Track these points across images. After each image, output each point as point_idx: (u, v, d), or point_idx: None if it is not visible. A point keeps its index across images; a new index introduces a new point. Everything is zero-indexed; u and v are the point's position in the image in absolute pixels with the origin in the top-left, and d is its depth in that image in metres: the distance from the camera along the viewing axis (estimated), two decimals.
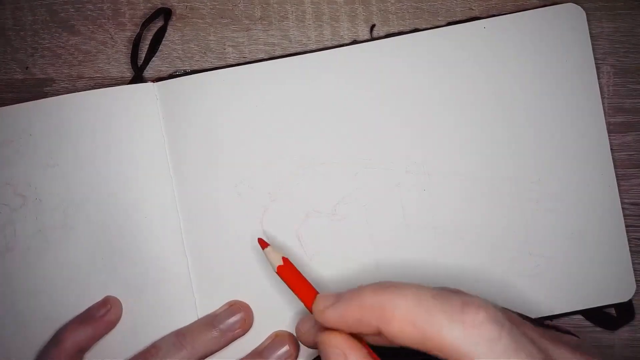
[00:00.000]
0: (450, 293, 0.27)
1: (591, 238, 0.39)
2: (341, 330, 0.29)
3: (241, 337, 0.39)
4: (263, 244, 0.36)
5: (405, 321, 0.26)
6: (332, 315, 0.29)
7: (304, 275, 0.34)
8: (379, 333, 0.28)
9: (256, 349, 0.39)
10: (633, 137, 0.40)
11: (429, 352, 0.26)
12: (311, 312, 0.32)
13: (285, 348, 0.38)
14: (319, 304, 0.30)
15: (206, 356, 0.38)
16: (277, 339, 0.38)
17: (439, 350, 0.26)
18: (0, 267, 0.39)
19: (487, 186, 0.39)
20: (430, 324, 0.26)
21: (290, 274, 0.35)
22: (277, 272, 0.35)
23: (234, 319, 0.38)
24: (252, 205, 0.39)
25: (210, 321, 0.38)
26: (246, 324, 0.38)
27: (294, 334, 0.38)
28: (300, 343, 0.36)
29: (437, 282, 0.38)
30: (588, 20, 0.39)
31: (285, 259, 0.35)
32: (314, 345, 0.32)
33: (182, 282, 0.39)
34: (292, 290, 0.34)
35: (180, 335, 0.38)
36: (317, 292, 0.33)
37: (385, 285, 0.28)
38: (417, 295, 0.27)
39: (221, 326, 0.38)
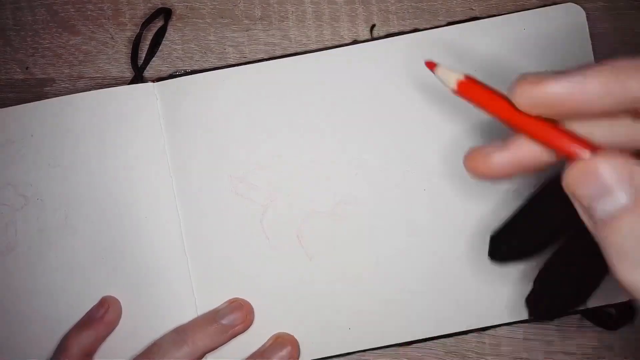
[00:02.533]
0: None
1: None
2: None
3: (242, 337, 0.39)
4: (430, 65, 0.28)
5: None
6: (560, 86, 0.21)
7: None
8: (630, 108, 0.20)
9: (257, 350, 0.39)
10: None
11: None
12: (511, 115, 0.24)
13: (287, 349, 0.38)
14: (529, 78, 0.22)
15: (208, 352, 0.38)
16: (279, 340, 0.38)
17: None
18: (1, 266, 0.39)
19: (487, 186, 0.39)
20: None
21: (477, 92, 0.27)
22: (458, 92, 0.27)
23: (234, 314, 0.38)
24: (252, 205, 0.39)
25: (211, 317, 0.38)
26: (247, 320, 0.39)
27: (295, 337, 0.39)
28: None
29: (437, 282, 0.38)
30: (588, 20, 0.39)
31: (464, 81, 0.27)
32: (493, 172, 0.25)
33: (182, 281, 0.39)
34: (486, 108, 0.26)
35: (181, 332, 0.38)
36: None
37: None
38: None
39: (222, 322, 0.38)
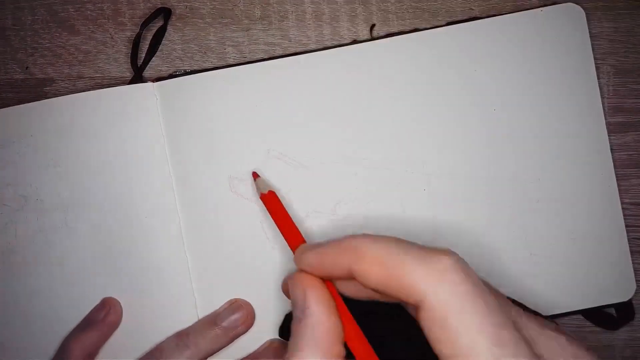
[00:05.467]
0: (425, 246, 0.27)
1: (591, 238, 0.39)
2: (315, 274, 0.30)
3: (243, 336, 0.39)
4: (255, 175, 0.38)
5: (375, 260, 0.27)
6: (310, 256, 0.30)
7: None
8: (351, 276, 0.28)
9: (251, 354, 0.39)
10: (633, 137, 0.40)
11: (393, 295, 0.26)
12: (291, 248, 0.33)
13: (280, 355, 0.38)
14: (302, 248, 0.31)
15: (210, 355, 0.38)
16: (274, 345, 0.39)
17: (400, 291, 0.26)
18: (1, 267, 0.39)
19: (487, 186, 0.39)
20: (397, 264, 0.26)
21: (275, 207, 0.36)
22: (260, 199, 0.37)
23: (235, 316, 0.38)
24: (252, 205, 0.39)
25: (212, 320, 0.38)
26: (248, 321, 0.39)
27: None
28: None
29: None
30: (588, 20, 0.39)
31: (272, 192, 0.37)
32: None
33: (182, 282, 0.39)
34: (277, 224, 0.35)
35: (183, 336, 0.38)
36: (302, 239, 0.34)
37: (364, 233, 0.29)
38: (391, 241, 0.27)
39: (223, 324, 0.38)
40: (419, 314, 0.25)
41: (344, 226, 0.39)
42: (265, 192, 0.37)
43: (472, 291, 0.25)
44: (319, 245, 0.30)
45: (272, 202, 0.36)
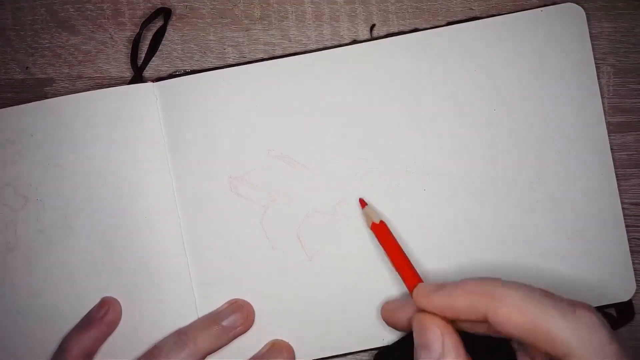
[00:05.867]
0: (556, 294, 0.28)
1: (591, 238, 0.39)
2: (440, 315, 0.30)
3: (242, 338, 0.39)
4: (362, 203, 0.38)
5: (515, 308, 0.27)
6: (438, 299, 0.30)
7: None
8: (484, 320, 0.28)
9: (253, 356, 0.39)
10: (633, 137, 0.40)
11: (532, 343, 0.27)
12: (408, 288, 0.34)
13: (283, 356, 0.38)
14: (423, 288, 0.31)
15: (209, 354, 0.38)
16: (275, 347, 0.38)
17: (545, 342, 0.26)
18: (1, 267, 0.39)
19: (487, 186, 0.39)
20: (541, 314, 0.27)
21: (387, 239, 0.36)
22: (371, 229, 0.37)
23: (235, 316, 0.38)
24: (252, 205, 0.39)
25: (211, 319, 0.38)
26: (248, 321, 0.39)
27: (290, 344, 0.39)
28: (386, 323, 0.36)
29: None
30: (588, 20, 0.39)
31: (383, 223, 0.37)
32: (399, 323, 0.34)
33: (182, 282, 0.39)
34: (390, 257, 0.36)
35: (182, 334, 0.38)
36: (419, 278, 0.35)
37: (492, 278, 0.29)
38: (527, 287, 0.28)
39: (223, 323, 0.38)
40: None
41: (344, 226, 0.39)
42: (377, 221, 0.37)
43: (618, 351, 0.26)
44: (444, 286, 0.30)
45: (383, 234, 0.37)
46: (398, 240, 0.37)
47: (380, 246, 0.37)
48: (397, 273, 0.36)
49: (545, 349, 0.27)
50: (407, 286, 0.35)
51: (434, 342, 0.29)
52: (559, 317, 0.26)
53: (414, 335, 0.31)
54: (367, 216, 0.38)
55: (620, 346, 0.26)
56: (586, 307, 0.27)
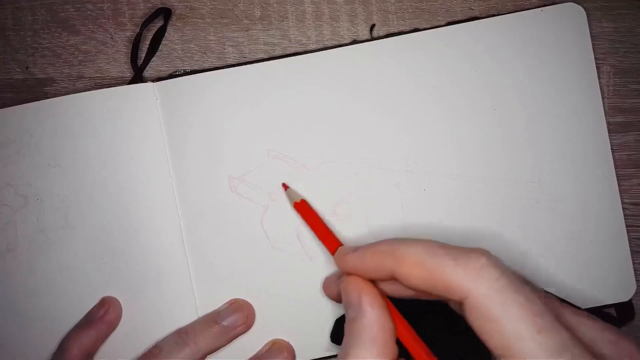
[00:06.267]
0: (457, 246, 0.30)
1: (591, 238, 0.39)
2: (359, 275, 0.32)
3: (242, 337, 0.39)
4: (285, 186, 0.39)
5: (415, 263, 0.29)
6: (352, 259, 0.32)
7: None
8: (393, 278, 0.30)
9: (254, 356, 0.39)
10: (633, 137, 0.40)
11: (435, 292, 0.28)
12: (330, 250, 0.35)
13: (283, 356, 0.38)
14: (341, 251, 0.33)
15: (209, 354, 0.38)
16: (275, 346, 0.39)
17: (444, 289, 0.28)
18: (1, 267, 0.39)
19: (487, 186, 0.39)
20: (437, 265, 0.28)
21: (309, 215, 0.38)
22: (294, 208, 0.38)
23: (236, 315, 0.38)
24: (252, 205, 0.39)
25: (212, 318, 0.38)
26: (248, 321, 0.39)
27: (290, 343, 0.39)
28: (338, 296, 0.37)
29: None
30: (588, 20, 0.39)
31: (304, 201, 0.38)
32: (335, 296, 0.36)
33: (183, 282, 0.39)
34: (313, 230, 0.37)
35: (182, 333, 0.38)
36: (339, 242, 0.36)
37: (399, 238, 0.31)
38: (427, 244, 0.29)
39: (224, 323, 0.38)
40: (464, 310, 0.27)
41: (344, 226, 0.39)
42: (298, 201, 0.38)
43: (510, 284, 0.27)
44: (358, 249, 0.32)
45: (305, 210, 0.38)
46: (320, 215, 0.38)
47: (305, 223, 0.38)
48: (323, 245, 0.37)
49: (447, 297, 0.28)
50: (330, 252, 0.36)
51: (352, 297, 0.31)
52: (452, 264, 0.28)
53: (342, 296, 0.32)
54: (290, 198, 0.39)
55: (510, 282, 0.27)
56: (478, 250, 0.28)
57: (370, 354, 0.28)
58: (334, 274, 0.37)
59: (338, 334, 0.38)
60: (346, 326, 0.30)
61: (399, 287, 0.31)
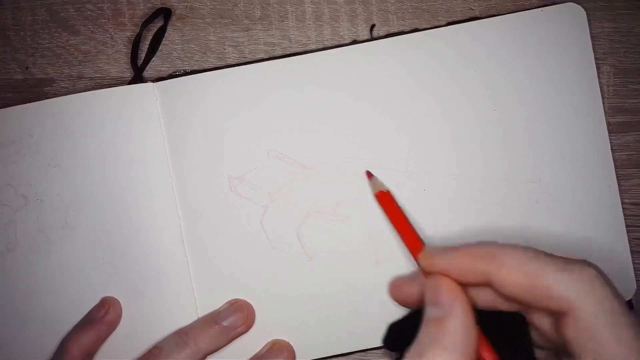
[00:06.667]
0: (560, 256, 0.28)
1: (591, 238, 0.39)
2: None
3: (242, 337, 0.39)
4: (369, 174, 0.38)
5: (515, 268, 0.27)
6: (442, 260, 0.30)
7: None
8: (486, 283, 0.28)
9: (254, 356, 0.39)
10: (633, 137, 0.40)
11: (533, 300, 0.27)
12: (413, 254, 0.33)
13: (283, 356, 0.38)
14: (428, 251, 0.31)
15: (209, 354, 0.38)
16: (275, 346, 0.38)
17: (544, 297, 0.26)
18: (1, 267, 0.39)
19: (487, 186, 0.39)
20: (539, 272, 0.27)
21: (390, 207, 0.36)
22: (375, 197, 0.37)
23: (236, 316, 0.38)
24: (252, 205, 0.39)
25: (212, 319, 0.38)
26: (248, 322, 0.39)
27: (290, 343, 0.39)
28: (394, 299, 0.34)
29: None
30: (588, 20, 0.39)
31: (387, 192, 0.36)
32: (408, 299, 0.33)
33: (183, 282, 0.39)
34: (394, 225, 0.35)
35: (182, 334, 0.38)
36: (422, 241, 0.34)
37: (495, 242, 0.29)
38: (525, 248, 0.28)
39: (224, 323, 0.38)
40: (563, 322, 0.26)
41: (344, 226, 0.39)
42: (380, 190, 0.37)
43: (620, 304, 0.26)
44: (448, 250, 0.30)
45: (387, 201, 0.36)
46: (403, 210, 0.36)
47: (386, 216, 0.36)
48: (402, 242, 0.35)
49: (547, 306, 0.26)
50: (411, 251, 0.34)
51: (443, 296, 0.29)
52: (557, 273, 0.26)
53: (425, 295, 0.30)
54: (374, 186, 0.37)
55: (619, 300, 0.26)
56: (585, 262, 0.27)
57: (449, 358, 0.27)
58: (404, 276, 0.34)
59: (394, 339, 0.36)
60: (426, 325, 0.28)
61: (486, 296, 0.29)
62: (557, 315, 0.27)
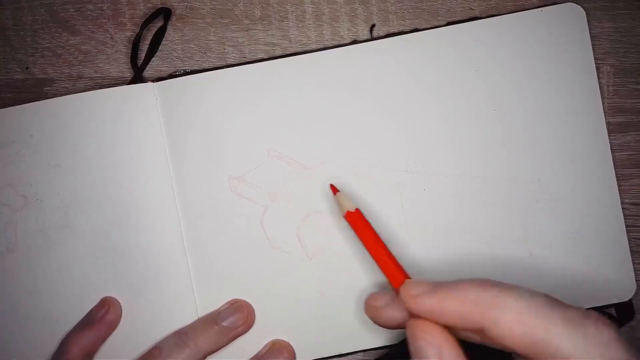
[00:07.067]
0: (563, 302, 0.25)
1: (591, 238, 0.39)
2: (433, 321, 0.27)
3: (242, 337, 0.39)
4: (334, 189, 0.34)
5: (517, 322, 0.24)
6: (428, 303, 0.27)
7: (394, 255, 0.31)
8: (479, 331, 0.26)
9: (254, 356, 0.39)
10: (633, 137, 0.40)
11: (533, 356, 0.24)
12: (393, 286, 0.30)
13: (284, 356, 0.38)
14: (412, 289, 0.28)
15: (209, 354, 0.38)
16: (275, 347, 0.38)
17: (550, 356, 0.24)
18: (1, 267, 0.39)
19: (487, 186, 0.39)
20: (547, 330, 0.24)
21: (363, 228, 0.31)
22: (345, 218, 0.32)
23: (236, 316, 0.38)
24: (252, 205, 0.39)
25: (212, 319, 0.38)
26: (248, 322, 0.39)
27: (290, 343, 0.39)
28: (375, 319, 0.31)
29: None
30: (588, 20, 0.39)
31: (358, 210, 0.32)
32: (386, 324, 0.30)
33: (183, 282, 0.39)
34: (368, 249, 0.31)
35: (182, 334, 0.38)
36: (405, 272, 0.31)
37: (492, 282, 0.26)
38: (530, 296, 0.25)
39: (224, 323, 0.38)
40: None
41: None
42: (352, 210, 0.32)
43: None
44: (438, 290, 0.27)
45: (358, 223, 0.32)
46: (378, 231, 0.32)
47: (358, 238, 0.32)
48: (377, 267, 0.32)
49: None
50: (392, 283, 0.31)
51: (431, 353, 0.26)
52: (568, 334, 0.23)
53: (409, 344, 0.27)
54: (341, 204, 0.33)
55: None
56: (599, 319, 0.24)
57: None
58: (381, 295, 0.31)
59: None
60: None
61: (473, 337, 0.27)
62: None
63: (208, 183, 0.39)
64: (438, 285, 0.27)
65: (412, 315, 0.28)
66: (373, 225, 0.33)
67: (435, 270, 0.39)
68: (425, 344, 0.26)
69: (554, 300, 0.25)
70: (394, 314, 0.30)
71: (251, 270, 0.39)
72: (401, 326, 0.29)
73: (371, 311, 0.31)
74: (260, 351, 0.39)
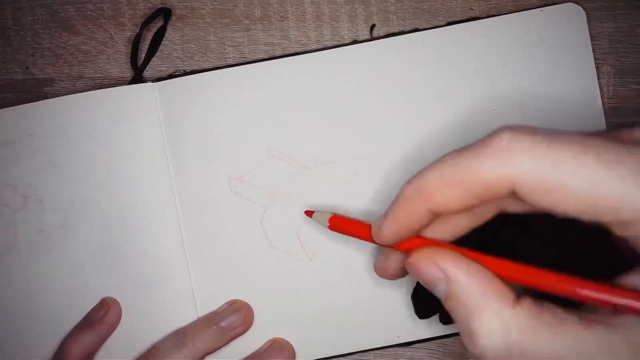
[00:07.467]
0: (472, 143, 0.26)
1: None
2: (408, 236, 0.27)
3: (241, 337, 0.39)
4: (308, 213, 0.35)
5: (441, 187, 0.25)
6: (387, 226, 0.27)
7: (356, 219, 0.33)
8: (434, 217, 0.26)
9: (253, 353, 0.39)
10: None
11: (478, 200, 0.25)
12: (367, 237, 0.30)
13: (284, 355, 0.38)
14: (373, 228, 0.29)
15: (207, 354, 0.38)
16: (275, 344, 0.38)
17: (484, 192, 0.24)
18: (0, 267, 0.39)
19: None
20: (463, 174, 0.25)
21: (343, 226, 0.33)
22: (331, 229, 0.33)
23: (234, 316, 0.38)
24: (252, 205, 0.39)
25: (210, 319, 0.38)
26: (247, 322, 0.39)
27: (290, 342, 0.39)
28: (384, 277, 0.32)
29: None
30: (588, 20, 0.39)
31: (332, 217, 0.33)
32: (395, 275, 0.31)
33: (182, 282, 0.39)
34: (354, 236, 0.32)
35: (180, 334, 0.38)
36: (365, 223, 0.31)
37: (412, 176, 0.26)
38: (438, 162, 0.26)
39: (222, 324, 0.38)
40: (524, 201, 0.24)
41: None
42: (329, 218, 0.34)
43: (551, 138, 0.23)
44: (386, 213, 0.27)
45: (342, 224, 0.33)
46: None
47: (353, 237, 0.33)
48: (363, 242, 0.32)
49: (493, 198, 0.24)
50: (368, 237, 0.31)
51: (433, 274, 0.26)
52: (477, 162, 0.24)
53: (419, 279, 0.27)
54: (321, 218, 0.34)
55: (546, 137, 0.23)
56: (495, 131, 0.24)
57: (491, 315, 0.24)
58: (382, 254, 0.31)
59: (423, 309, 0.35)
60: (445, 303, 0.26)
61: (453, 222, 0.27)
62: (518, 199, 0.24)
63: (208, 183, 0.39)
64: (381, 215, 0.28)
65: (407, 254, 0.28)
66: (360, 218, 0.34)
67: None
68: (421, 267, 0.26)
69: (460, 148, 0.26)
70: (396, 261, 0.30)
71: (251, 270, 0.39)
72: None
73: (380, 271, 0.31)
74: (260, 348, 0.39)
